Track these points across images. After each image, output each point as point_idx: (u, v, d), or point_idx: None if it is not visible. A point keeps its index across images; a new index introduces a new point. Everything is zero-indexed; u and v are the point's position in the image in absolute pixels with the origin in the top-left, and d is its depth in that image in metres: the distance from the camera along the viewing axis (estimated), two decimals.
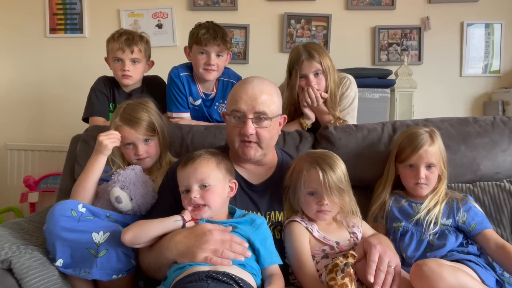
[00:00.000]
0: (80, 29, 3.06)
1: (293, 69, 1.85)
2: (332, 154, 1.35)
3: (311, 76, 1.82)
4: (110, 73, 2.08)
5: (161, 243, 1.20)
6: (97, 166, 1.41)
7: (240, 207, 1.33)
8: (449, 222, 1.40)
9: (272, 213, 1.38)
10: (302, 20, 2.99)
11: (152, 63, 2.11)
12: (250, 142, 1.33)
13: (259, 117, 1.31)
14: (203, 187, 1.23)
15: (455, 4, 2.92)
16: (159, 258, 1.20)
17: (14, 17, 3.06)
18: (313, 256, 1.25)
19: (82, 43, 3.06)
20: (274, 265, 1.21)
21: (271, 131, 1.34)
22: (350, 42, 2.97)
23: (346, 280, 1.05)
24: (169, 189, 1.37)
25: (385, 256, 1.15)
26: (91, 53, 2.93)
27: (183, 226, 1.21)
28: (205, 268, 1.10)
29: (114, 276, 1.21)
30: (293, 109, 1.92)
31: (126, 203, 1.35)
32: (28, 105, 3.09)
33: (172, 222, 1.21)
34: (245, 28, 3.00)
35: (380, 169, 1.58)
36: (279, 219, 1.38)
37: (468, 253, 1.34)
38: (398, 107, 2.70)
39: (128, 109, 1.52)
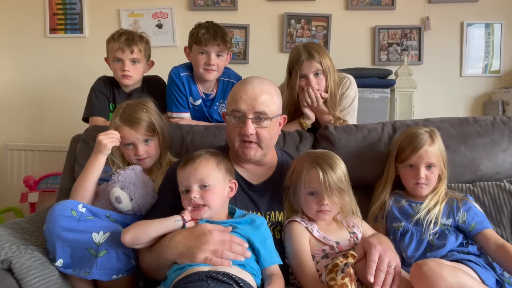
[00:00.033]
0: (80, 29, 3.06)
1: (293, 69, 1.85)
2: (332, 154, 1.35)
3: (311, 76, 1.82)
4: (110, 73, 2.08)
5: (161, 243, 1.20)
6: (96, 166, 1.41)
7: (240, 207, 1.33)
8: (449, 222, 1.41)
9: (272, 213, 1.38)
10: (302, 20, 2.99)
11: (152, 63, 2.11)
12: (250, 142, 1.33)
13: (259, 117, 1.31)
14: (203, 187, 1.23)
15: (455, 4, 2.92)
16: (159, 258, 1.20)
17: (14, 17, 3.06)
18: (313, 256, 1.25)
19: (82, 43, 3.06)
20: (274, 265, 1.21)
21: (271, 131, 1.34)
22: (350, 42, 2.97)
23: (346, 280, 1.05)
24: (169, 189, 1.37)
25: (385, 256, 1.15)
26: (91, 53, 2.93)
27: (183, 226, 1.21)
28: (205, 268, 1.10)
29: (114, 276, 1.22)
30: (293, 109, 1.92)
31: (126, 203, 1.35)
32: (28, 105, 3.09)
33: (172, 222, 1.21)
34: (245, 28, 3.00)
35: (380, 169, 1.58)
36: (279, 219, 1.38)
37: (468, 253, 1.34)
38: (398, 107, 2.70)
39: (128, 109, 1.52)
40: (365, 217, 1.44)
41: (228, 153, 1.43)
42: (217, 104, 2.04)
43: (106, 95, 2.04)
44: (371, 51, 3.00)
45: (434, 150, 1.43)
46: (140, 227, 1.20)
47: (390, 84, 2.66)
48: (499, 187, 1.62)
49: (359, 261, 1.15)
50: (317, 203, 1.28)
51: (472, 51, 2.95)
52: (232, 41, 2.93)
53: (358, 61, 2.90)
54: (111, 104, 2.05)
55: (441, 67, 2.96)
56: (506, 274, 1.33)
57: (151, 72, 2.14)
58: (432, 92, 2.93)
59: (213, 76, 1.95)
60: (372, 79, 2.60)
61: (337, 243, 1.27)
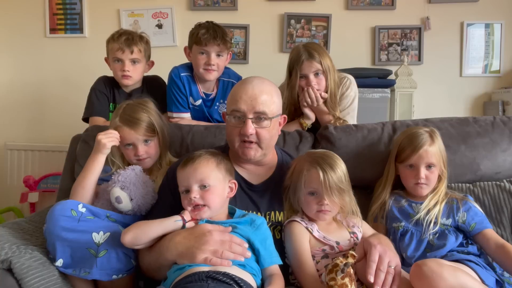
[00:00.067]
0: (80, 29, 3.06)
1: (293, 69, 1.85)
2: (333, 154, 1.35)
3: (311, 76, 1.82)
4: (110, 73, 2.07)
5: (161, 243, 1.20)
6: (96, 166, 1.41)
7: (240, 207, 1.33)
8: (449, 222, 1.41)
9: (272, 213, 1.38)
10: (302, 20, 2.99)
11: (152, 63, 2.11)
12: (250, 142, 1.33)
13: (259, 117, 1.31)
14: (203, 187, 1.23)
15: (455, 4, 2.92)
16: (159, 258, 1.20)
17: (14, 17, 3.06)
18: (313, 256, 1.25)
19: (82, 43, 3.06)
20: (274, 265, 1.21)
21: (271, 131, 1.34)
22: (350, 42, 2.97)
23: (346, 280, 1.05)
24: (169, 189, 1.37)
25: (385, 256, 1.15)
26: (91, 53, 2.93)
27: (183, 226, 1.21)
28: (205, 268, 1.10)
29: (114, 276, 1.22)
30: (293, 109, 1.92)
31: (126, 204, 1.35)
32: (28, 105, 3.09)
33: (172, 223, 1.21)
34: (245, 28, 3.00)
35: (380, 169, 1.58)
36: (279, 219, 1.38)
37: (468, 253, 1.34)
38: (398, 107, 2.70)
39: (127, 109, 1.52)
40: (365, 217, 1.44)
41: (228, 153, 1.43)
42: (217, 104, 2.04)
43: (106, 95, 2.04)
44: (371, 51, 3.00)
45: (434, 150, 1.43)
46: (140, 227, 1.20)
47: (390, 84, 2.66)
48: (499, 187, 1.62)
49: (359, 261, 1.15)
50: (317, 203, 1.28)
51: (472, 51, 2.95)
52: (232, 41, 2.93)
53: (358, 61, 2.90)
54: (111, 104, 2.05)
55: (441, 67, 2.96)
56: (506, 274, 1.33)
57: (151, 72, 2.14)
58: (432, 92, 2.93)
59: (213, 76, 1.95)
60: (372, 79, 2.60)
61: (337, 243, 1.27)
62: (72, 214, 1.23)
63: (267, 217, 1.37)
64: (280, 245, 1.31)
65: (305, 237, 1.27)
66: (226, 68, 2.04)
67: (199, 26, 1.95)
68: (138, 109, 1.52)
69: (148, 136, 1.51)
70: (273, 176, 1.43)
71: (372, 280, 1.11)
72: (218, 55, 1.93)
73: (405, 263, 1.34)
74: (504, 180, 1.65)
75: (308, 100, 1.83)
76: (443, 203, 1.43)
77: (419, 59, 2.96)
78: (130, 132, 1.48)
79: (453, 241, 1.36)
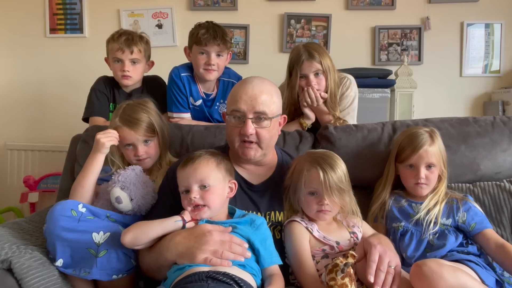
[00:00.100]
0: (80, 29, 3.06)
1: (293, 69, 1.84)
2: (333, 154, 1.35)
3: (311, 76, 1.82)
4: (110, 73, 2.08)
5: (161, 244, 1.20)
6: (95, 165, 1.40)
7: (240, 207, 1.33)
8: (449, 222, 1.41)
9: (272, 213, 1.38)
10: (302, 20, 2.99)
11: (152, 63, 2.11)
12: (250, 142, 1.32)
13: (259, 117, 1.31)
14: (203, 187, 1.22)
15: (455, 4, 2.93)
16: (159, 259, 1.20)
17: (14, 17, 3.06)
18: (313, 256, 1.25)
19: (82, 43, 3.06)
20: (274, 265, 1.21)
21: (271, 131, 1.34)
22: (350, 42, 2.97)
23: (346, 280, 1.05)
24: (169, 189, 1.37)
25: (385, 256, 1.15)
26: (91, 53, 2.93)
27: (183, 226, 1.21)
28: (205, 268, 1.10)
29: (114, 276, 1.21)
30: (293, 109, 1.92)
31: (126, 204, 1.35)
32: (28, 105, 3.09)
33: (172, 223, 1.21)
34: (245, 28, 3.00)
35: (380, 169, 1.58)
36: (279, 219, 1.38)
37: (468, 253, 1.34)
38: (398, 107, 2.70)
39: (127, 109, 1.52)
40: (365, 217, 1.44)
41: (228, 153, 1.43)
42: (217, 104, 2.04)
43: (106, 95, 2.04)
44: (371, 51, 3.00)
45: (434, 150, 1.43)
46: (140, 227, 1.20)
47: (390, 84, 2.66)
48: (499, 187, 1.62)
49: (359, 261, 1.15)
50: (317, 203, 1.28)
51: (472, 51, 2.95)
52: (232, 41, 2.93)
53: (358, 61, 2.90)
54: (111, 104, 2.05)
55: (441, 67, 2.96)
56: (506, 274, 1.33)
57: (151, 72, 2.14)
58: (432, 92, 2.93)
59: (213, 76, 1.95)
60: (372, 79, 2.60)
61: (337, 243, 1.27)
62: (72, 214, 1.23)
63: (267, 217, 1.37)
64: (280, 245, 1.31)
65: (305, 237, 1.27)
66: (226, 68, 2.04)
67: (199, 26, 1.95)
68: (138, 110, 1.52)
69: (148, 137, 1.51)
70: (273, 176, 1.43)
71: (372, 280, 1.11)
72: (218, 55, 1.93)
73: (405, 263, 1.34)
74: (504, 180, 1.65)
75: (308, 100, 1.83)
76: (443, 203, 1.43)
77: (419, 59, 2.96)
78: (130, 132, 1.48)
79: (453, 241, 1.36)
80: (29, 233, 1.38)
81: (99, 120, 1.99)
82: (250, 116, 1.30)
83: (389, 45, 2.98)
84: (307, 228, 1.28)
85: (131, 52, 1.96)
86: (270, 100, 1.33)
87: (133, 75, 2.00)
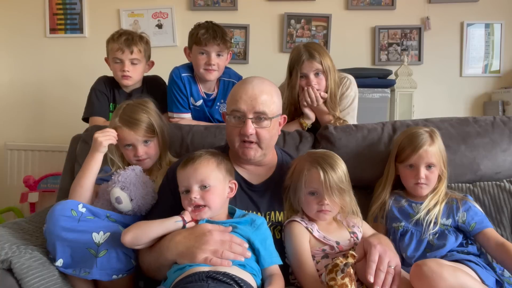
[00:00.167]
0: (80, 29, 3.06)
1: (294, 68, 1.85)
2: (333, 154, 1.35)
3: (312, 76, 1.82)
4: (110, 73, 2.08)
5: (161, 243, 1.20)
6: (94, 165, 1.40)
7: (240, 207, 1.33)
8: (449, 222, 1.41)
9: (272, 213, 1.38)
10: (302, 20, 2.99)
11: (152, 63, 2.11)
12: (250, 142, 1.32)
13: (259, 117, 1.31)
14: (203, 187, 1.22)
15: (455, 4, 2.93)
16: (159, 258, 1.20)
17: (14, 17, 3.06)
18: (313, 256, 1.25)
19: (82, 43, 3.06)
20: (274, 265, 1.21)
21: (271, 131, 1.34)
22: (350, 42, 2.97)
23: (346, 280, 1.05)
24: (169, 190, 1.37)
25: (385, 256, 1.15)
26: (91, 53, 2.93)
27: (183, 226, 1.21)
28: (205, 268, 1.10)
29: (114, 276, 1.21)
30: (293, 109, 1.92)
31: (126, 204, 1.35)
32: (28, 105, 3.09)
33: (172, 223, 1.21)
34: (245, 28, 3.00)
35: (380, 169, 1.58)
36: (279, 219, 1.38)
37: (468, 253, 1.34)
38: (398, 107, 2.70)
39: (127, 110, 1.52)
40: (365, 217, 1.44)
41: (228, 153, 1.43)
42: (218, 104, 2.04)
43: (106, 95, 2.04)
44: (371, 51, 3.00)
45: (434, 150, 1.43)
46: (140, 227, 1.20)
47: (390, 84, 2.66)
48: (499, 187, 1.62)
49: (359, 261, 1.15)
50: (317, 203, 1.28)
51: (472, 51, 2.95)
52: (232, 41, 2.93)
53: (358, 61, 2.90)
54: (111, 104, 2.05)
55: (441, 67, 2.96)
56: (506, 274, 1.33)
57: (151, 72, 2.14)
58: (432, 92, 2.93)
59: (213, 76, 1.95)
60: (372, 79, 2.60)
61: (337, 243, 1.27)
62: (72, 214, 1.23)
63: (267, 217, 1.37)
64: (280, 245, 1.31)
65: (305, 237, 1.27)
66: (226, 68, 2.04)
67: (198, 26, 1.95)
68: (138, 110, 1.52)
69: (148, 137, 1.51)
70: (273, 176, 1.43)
71: (372, 280, 1.11)
72: (218, 55, 1.93)
73: (405, 263, 1.34)
74: (504, 180, 1.65)
75: (308, 99, 1.83)
76: (443, 203, 1.43)
77: (419, 59, 2.96)
78: (130, 133, 1.48)
79: (453, 241, 1.36)
80: (29, 233, 1.38)
81: (99, 120, 1.99)
82: (250, 116, 1.30)
83: (389, 45, 2.98)
84: (307, 228, 1.28)
85: (131, 52, 1.96)
86: (270, 100, 1.33)
87: (133, 75, 1.99)
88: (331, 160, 1.30)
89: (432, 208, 1.41)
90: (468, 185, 1.65)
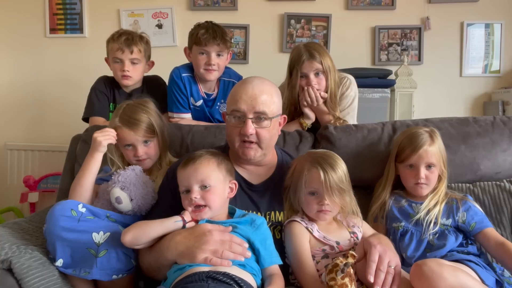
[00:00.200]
0: (80, 29, 3.06)
1: (294, 68, 1.85)
2: (333, 154, 1.35)
3: (312, 76, 1.82)
4: (110, 73, 2.08)
5: (161, 243, 1.20)
6: (93, 164, 1.40)
7: (240, 207, 1.33)
8: (449, 222, 1.41)
9: (272, 213, 1.38)
10: (302, 20, 2.99)
11: (152, 63, 2.11)
12: (250, 142, 1.32)
13: (259, 117, 1.31)
14: (204, 187, 1.22)
15: (455, 4, 2.93)
16: (159, 258, 1.20)
17: (14, 17, 3.06)
18: (313, 256, 1.25)
19: (82, 43, 3.06)
20: (274, 265, 1.21)
21: (271, 131, 1.34)
22: (350, 42, 2.97)
23: (346, 280, 1.05)
24: (169, 190, 1.37)
25: (385, 256, 1.15)
26: (91, 53, 2.93)
27: (183, 226, 1.21)
28: (205, 268, 1.10)
29: (114, 276, 1.21)
30: (293, 109, 1.92)
31: (126, 204, 1.35)
32: (28, 105, 3.09)
33: (172, 223, 1.20)
34: (245, 28, 3.00)
35: (380, 169, 1.58)
36: (279, 219, 1.38)
37: (468, 253, 1.34)
38: (398, 107, 2.70)
39: (127, 110, 1.52)
40: (365, 217, 1.44)
41: (228, 153, 1.43)
42: (218, 104, 2.04)
43: (106, 95, 2.05)
44: (371, 51, 3.00)
45: (434, 150, 1.43)
46: (140, 227, 1.20)
47: (390, 84, 2.66)
48: (499, 187, 1.62)
49: (359, 261, 1.15)
50: (317, 203, 1.28)
51: (472, 51, 2.95)
52: (232, 41, 2.93)
53: (358, 61, 2.90)
54: (111, 104, 2.05)
55: (441, 67, 2.96)
56: (506, 274, 1.33)
57: (151, 72, 2.14)
58: (432, 92, 2.93)
59: (214, 76, 1.95)
60: (372, 79, 2.60)
61: (337, 243, 1.27)
62: (72, 214, 1.23)
63: (267, 217, 1.37)
64: (280, 245, 1.31)
65: (305, 237, 1.27)
66: (226, 68, 2.04)
67: (198, 26, 1.95)
68: (138, 110, 1.52)
69: (148, 137, 1.51)
70: (273, 176, 1.43)
71: (372, 280, 1.11)
72: (218, 55, 1.93)
73: (405, 263, 1.34)
74: (504, 180, 1.65)
75: (308, 99, 1.83)
76: (443, 203, 1.43)
77: (419, 59, 2.96)
78: (130, 133, 1.48)
79: (453, 241, 1.36)
80: (29, 233, 1.38)
81: (99, 120, 1.99)
82: (250, 116, 1.30)
83: (389, 45, 2.98)
84: (307, 228, 1.28)
85: (131, 52, 1.96)
86: (270, 100, 1.33)
87: (133, 75, 2.00)
88: (331, 160, 1.30)
89: (432, 208, 1.41)
90: (468, 185, 1.65)
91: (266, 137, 1.33)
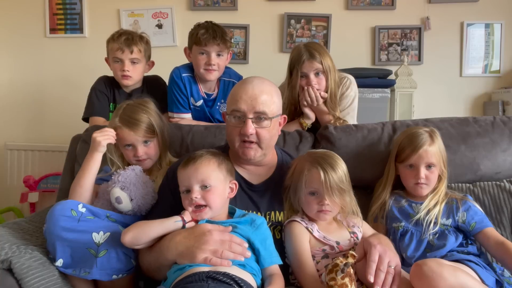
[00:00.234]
0: (80, 29, 3.06)
1: (294, 68, 1.85)
2: (333, 154, 1.35)
3: (312, 76, 1.82)
4: (110, 73, 2.08)
5: (161, 243, 1.20)
6: (93, 164, 1.40)
7: (240, 207, 1.33)
8: (449, 222, 1.41)
9: (272, 213, 1.38)
10: (302, 20, 2.99)
11: (153, 63, 2.11)
12: (250, 142, 1.32)
13: (259, 117, 1.31)
14: (204, 187, 1.22)
15: (455, 4, 2.93)
16: (159, 258, 1.20)
17: (14, 17, 3.06)
18: (313, 256, 1.25)
19: (82, 43, 3.06)
20: (274, 265, 1.21)
21: (271, 131, 1.34)
22: (350, 42, 2.97)
23: (346, 280, 1.05)
24: (169, 189, 1.37)
25: (385, 256, 1.15)
26: (91, 53, 2.94)
27: (183, 226, 1.21)
28: (205, 268, 1.10)
29: (114, 276, 1.21)
30: (293, 108, 1.92)
31: (126, 204, 1.35)
32: (28, 105, 3.09)
33: (172, 223, 1.20)
34: (245, 28, 3.00)
35: (380, 169, 1.58)
36: (279, 219, 1.38)
37: (468, 253, 1.34)
38: (398, 107, 2.70)
39: (127, 110, 1.52)
40: (365, 217, 1.44)
41: (228, 153, 1.43)
42: (218, 104, 2.04)
43: (107, 95, 2.05)
44: (371, 51, 3.00)
45: (434, 150, 1.43)
46: (140, 227, 1.20)
47: (390, 84, 2.66)
48: (499, 187, 1.62)
49: (359, 261, 1.15)
50: (318, 203, 1.28)
51: (472, 51, 2.95)
52: (232, 41, 2.93)
53: (358, 61, 2.90)
54: (111, 104, 2.05)
55: (441, 67, 2.96)
56: (506, 274, 1.33)
57: (151, 72, 2.14)
58: (432, 92, 2.93)
59: (214, 76, 1.95)
60: (372, 79, 2.60)
61: (337, 243, 1.27)
62: (72, 214, 1.23)
63: (267, 217, 1.37)
64: (280, 245, 1.31)
65: (305, 237, 1.27)
66: (226, 68, 2.04)
67: (198, 26, 1.95)
68: (138, 110, 1.52)
69: (148, 137, 1.51)
70: (273, 176, 1.43)
71: (372, 280, 1.11)
72: (218, 55, 1.93)
73: (405, 263, 1.34)
74: (504, 180, 1.65)
75: (308, 99, 1.83)
76: (443, 203, 1.43)
77: (419, 59, 2.96)
78: (130, 133, 1.48)
79: (453, 241, 1.36)
80: (29, 233, 1.38)
81: (99, 120, 1.99)
82: (250, 116, 1.30)
83: (389, 45, 2.98)
84: (307, 228, 1.28)
85: (131, 52, 1.96)
86: (270, 100, 1.33)
87: (133, 75, 2.00)
88: (332, 160, 1.30)
89: (432, 208, 1.41)
90: (468, 185, 1.65)
91: (266, 137, 1.33)
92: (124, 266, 1.23)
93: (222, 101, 2.03)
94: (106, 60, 2.06)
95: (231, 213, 1.31)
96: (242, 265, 1.14)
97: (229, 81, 2.03)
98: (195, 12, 3.00)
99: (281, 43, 3.02)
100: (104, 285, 1.27)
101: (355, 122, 1.93)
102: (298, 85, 1.85)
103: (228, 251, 1.13)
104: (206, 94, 2.03)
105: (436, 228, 1.38)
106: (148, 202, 1.40)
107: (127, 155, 1.52)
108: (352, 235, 1.31)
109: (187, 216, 1.22)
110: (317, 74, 1.83)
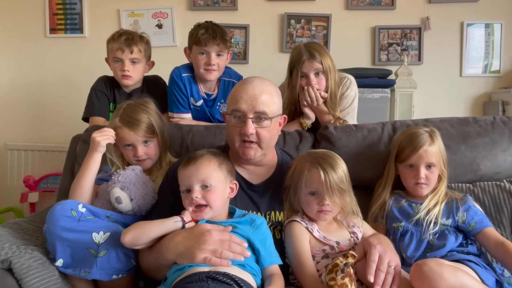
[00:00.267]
0: (80, 29, 3.06)
1: (294, 68, 1.85)
2: (334, 154, 1.35)
3: (312, 76, 1.82)
4: (110, 73, 2.08)
5: (161, 244, 1.20)
6: (92, 164, 1.40)
7: (240, 207, 1.33)
8: (449, 222, 1.41)
9: (272, 213, 1.38)
10: (302, 20, 2.99)
11: (153, 63, 2.11)
12: (250, 142, 1.32)
13: (259, 117, 1.31)
14: (205, 187, 1.22)
15: (455, 4, 2.93)
16: (158, 258, 1.20)
17: (14, 17, 3.06)
18: (313, 256, 1.25)
19: (82, 43, 3.06)
20: (274, 265, 1.21)
21: (271, 131, 1.34)
22: (350, 42, 2.97)
23: (346, 280, 1.05)
24: (169, 189, 1.37)
25: (385, 256, 1.15)
26: (91, 53, 2.94)
27: (183, 227, 1.21)
28: (205, 269, 1.10)
29: (114, 276, 1.21)
30: (293, 108, 1.92)
31: (126, 204, 1.35)
32: (28, 105, 3.09)
33: (171, 223, 1.20)
34: (245, 28, 3.00)
35: (380, 169, 1.58)
36: (279, 219, 1.38)
37: (468, 253, 1.34)
38: (398, 107, 2.70)
39: (127, 110, 1.52)
40: (365, 217, 1.44)
41: (228, 153, 1.43)
42: (218, 104, 2.04)
43: (107, 95, 2.05)
44: (371, 51, 3.00)
45: (434, 150, 1.43)
46: (140, 227, 1.20)
47: (390, 84, 2.66)
48: (499, 187, 1.62)
49: (359, 261, 1.15)
50: (318, 203, 1.28)
51: (472, 51, 2.96)
52: (232, 41, 2.93)
53: (358, 61, 2.90)
54: (111, 104, 2.05)
55: (441, 67, 2.96)
56: (506, 274, 1.33)
57: (151, 72, 2.14)
58: (432, 92, 2.93)
59: (214, 76, 1.95)
60: (372, 79, 2.60)
61: (337, 243, 1.27)
62: (72, 214, 1.23)
63: (267, 217, 1.37)
64: (280, 245, 1.31)
65: (305, 237, 1.27)
66: (227, 67, 2.04)
67: (198, 26, 1.95)
68: (138, 110, 1.52)
69: (148, 137, 1.51)
70: (273, 176, 1.43)
71: (372, 280, 1.11)
72: (218, 55, 1.93)
73: (405, 263, 1.34)
74: (504, 180, 1.65)
75: (308, 99, 1.83)
76: (443, 203, 1.43)
77: (419, 59, 2.96)
78: (130, 133, 1.48)
79: (453, 241, 1.36)
80: (29, 233, 1.38)
81: (99, 120, 1.99)
82: (251, 116, 1.30)
83: (389, 45, 2.98)
84: (307, 228, 1.28)
85: (131, 52, 1.96)
86: (271, 100, 1.33)
87: (133, 75, 2.00)
88: (332, 160, 1.30)
89: (432, 208, 1.41)
90: (468, 185, 1.65)
91: (266, 137, 1.33)
92: (124, 266, 1.23)
93: (222, 101, 2.03)
94: (106, 60, 2.06)
95: (231, 213, 1.31)
96: (242, 265, 1.14)
97: (229, 81, 2.03)
98: (195, 12, 3.00)
99: (281, 43, 3.02)
100: (104, 285, 1.27)
101: (355, 122, 1.93)
102: (298, 85, 1.85)
103: (228, 251, 1.13)
104: (206, 94, 2.03)
105: (436, 228, 1.38)
106: (148, 202, 1.40)
107: (127, 155, 1.52)
108: (352, 235, 1.31)
109: (186, 216, 1.22)
110: (317, 74, 1.83)
